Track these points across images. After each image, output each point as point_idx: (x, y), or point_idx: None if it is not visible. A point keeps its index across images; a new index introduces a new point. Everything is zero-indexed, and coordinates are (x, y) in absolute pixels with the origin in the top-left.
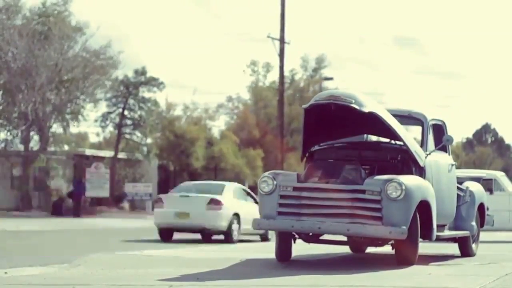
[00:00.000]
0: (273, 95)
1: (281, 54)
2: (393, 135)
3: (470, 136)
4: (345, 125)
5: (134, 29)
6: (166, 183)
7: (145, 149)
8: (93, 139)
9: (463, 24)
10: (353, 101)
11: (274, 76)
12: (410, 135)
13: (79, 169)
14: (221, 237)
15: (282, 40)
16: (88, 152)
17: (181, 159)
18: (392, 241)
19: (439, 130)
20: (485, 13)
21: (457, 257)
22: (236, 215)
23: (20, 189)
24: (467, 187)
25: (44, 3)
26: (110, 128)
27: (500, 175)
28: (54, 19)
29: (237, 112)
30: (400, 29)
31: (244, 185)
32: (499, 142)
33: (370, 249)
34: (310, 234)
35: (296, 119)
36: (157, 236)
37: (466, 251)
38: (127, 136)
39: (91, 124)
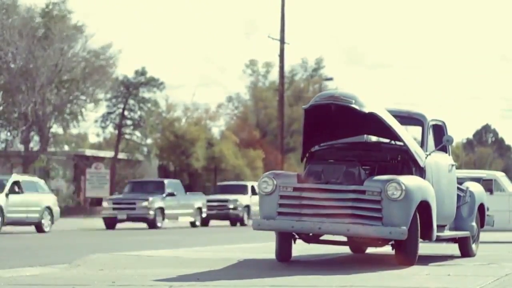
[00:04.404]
0: (273, 95)
1: (281, 55)
2: (393, 135)
3: (470, 136)
4: (345, 125)
5: (134, 29)
6: None
7: (145, 149)
8: (93, 139)
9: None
10: (353, 101)
11: (274, 76)
12: (410, 136)
13: (79, 170)
14: None
15: (282, 41)
16: (88, 152)
17: (181, 159)
18: (392, 241)
19: (439, 130)
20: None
21: (457, 257)
22: None
23: None
24: (467, 188)
25: (48, 4)
26: (110, 128)
27: (500, 176)
28: (55, 19)
29: (237, 113)
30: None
31: None
32: (499, 142)
33: (370, 249)
34: (310, 234)
35: (297, 121)
36: (156, 236)
37: (466, 252)
38: (127, 136)
39: (91, 124)
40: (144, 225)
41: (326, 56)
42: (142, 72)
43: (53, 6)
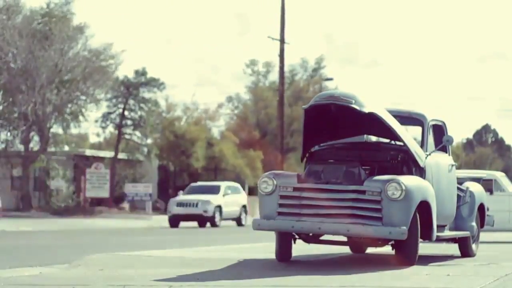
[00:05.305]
0: (273, 95)
1: (281, 55)
2: (393, 135)
3: (470, 136)
4: (345, 125)
5: (134, 29)
6: (166, 184)
7: (145, 149)
8: (93, 139)
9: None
10: (353, 101)
11: (274, 76)
12: (410, 136)
13: (79, 170)
14: None
15: (282, 41)
16: (88, 152)
17: (181, 159)
18: (392, 241)
19: (439, 131)
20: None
21: (457, 257)
22: None
23: (20, 190)
24: (467, 188)
25: (48, 4)
26: (110, 128)
27: (500, 176)
28: (57, 20)
29: (237, 113)
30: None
31: (244, 185)
32: (499, 142)
33: (370, 249)
34: (310, 234)
35: (297, 120)
36: (157, 236)
37: (466, 252)
38: (127, 136)
39: (91, 124)
40: (144, 224)
41: (326, 56)
42: (142, 72)
43: (54, 6)
